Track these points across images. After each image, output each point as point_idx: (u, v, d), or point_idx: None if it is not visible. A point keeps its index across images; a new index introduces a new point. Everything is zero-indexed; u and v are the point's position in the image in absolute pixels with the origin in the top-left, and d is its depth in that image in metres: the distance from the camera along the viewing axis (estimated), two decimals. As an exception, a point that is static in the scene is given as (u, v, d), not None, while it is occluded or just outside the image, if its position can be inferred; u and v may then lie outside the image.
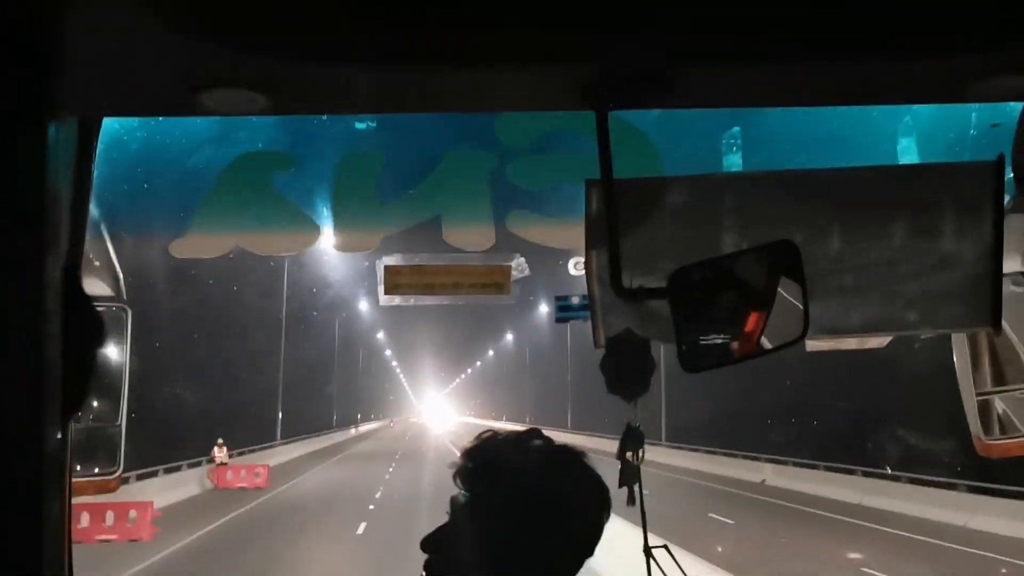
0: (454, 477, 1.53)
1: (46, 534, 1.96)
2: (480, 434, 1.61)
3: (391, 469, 36.31)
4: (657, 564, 2.93)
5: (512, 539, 1.47)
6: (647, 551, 2.92)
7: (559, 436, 1.66)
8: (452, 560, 1.50)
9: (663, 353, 2.03)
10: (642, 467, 4.26)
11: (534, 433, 1.60)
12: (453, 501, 1.53)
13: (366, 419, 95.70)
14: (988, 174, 2.26)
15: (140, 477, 25.49)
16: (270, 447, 41.37)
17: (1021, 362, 2.67)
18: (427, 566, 1.53)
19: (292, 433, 47.91)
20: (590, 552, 1.55)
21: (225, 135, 2.54)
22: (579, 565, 1.53)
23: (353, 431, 75.98)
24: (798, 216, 2.25)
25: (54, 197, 1.86)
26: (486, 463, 1.53)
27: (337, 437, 64.75)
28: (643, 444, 1.92)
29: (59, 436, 2.09)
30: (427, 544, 1.52)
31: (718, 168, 2.60)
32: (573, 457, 1.58)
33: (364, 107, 2.32)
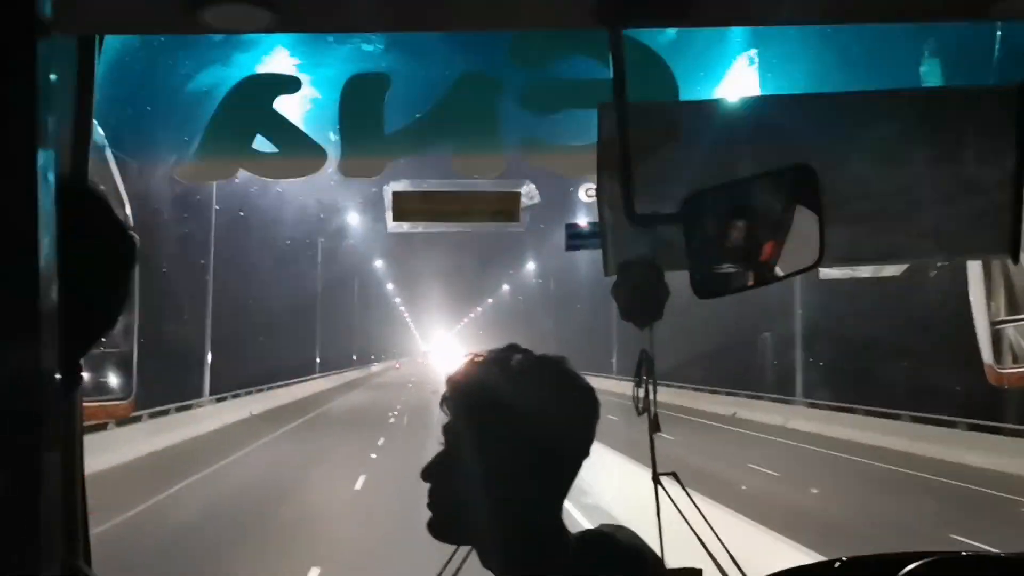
0: (441, 405, 1.55)
1: (55, 459, 1.96)
2: (462, 362, 1.61)
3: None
4: (665, 491, 2.94)
5: (505, 455, 1.48)
6: (655, 479, 2.93)
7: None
8: (451, 485, 1.52)
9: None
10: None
11: (513, 348, 1.60)
12: (445, 429, 1.55)
13: (364, 362, 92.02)
14: (1012, 99, 2.21)
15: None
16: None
17: None
18: (430, 495, 1.56)
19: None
20: (585, 453, 1.57)
21: (229, 57, 2.49)
22: (577, 467, 1.56)
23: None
24: (815, 141, 2.21)
25: (55, 120, 1.82)
26: (469, 385, 1.55)
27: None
28: (654, 370, 1.93)
29: (68, 364, 2.09)
30: (426, 474, 1.55)
31: (734, 92, 2.55)
32: (554, 365, 1.59)
33: (371, 26, 2.26)
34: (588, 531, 1.68)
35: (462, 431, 1.52)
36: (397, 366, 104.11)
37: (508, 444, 1.48)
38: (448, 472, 1.53)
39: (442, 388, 1.56)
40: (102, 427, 19.47)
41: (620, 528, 1.74)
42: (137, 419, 23.59)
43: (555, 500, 1.57)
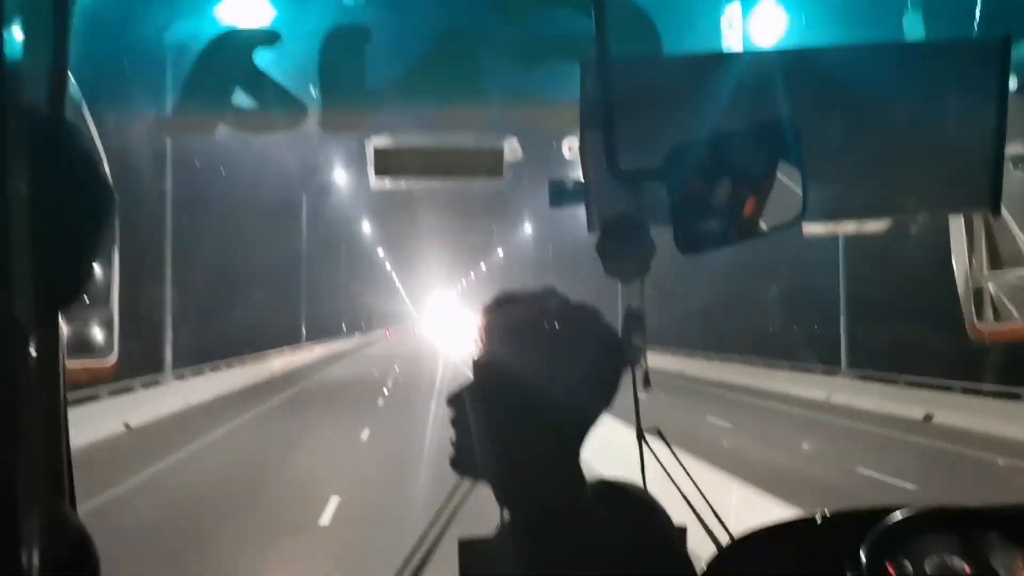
0: (475, 332, 1.56)
1: (39, 421, 1.96)
2: (496, 295, 1.62)
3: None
4: (650, 448, 2.97)
5: (531, 391, 1.49)
6: (640, 436, 2.96)
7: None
8: (473, 416, 1.53)
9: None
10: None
11: (549, 290, 1.61)
12: (474, 362, 1.55)
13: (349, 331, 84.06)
14: (994, 52, 2.21)
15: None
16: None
17: (1018, 246, 2.66)
18: (453, 422, 1.57)
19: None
20: (609, 400, 1.58)
21: (206, 10, 2.45)
22: (599, 412, 1.58)
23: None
24: (799, 96, 2.20)
25: (30, 74, 1.79)
26: (503, 320, 1.56)
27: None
28: (644, 327, 1.93)
29: (49, 324, 2.08)
30: (451, 400, 1.56)
31: (718, 47, 2.53)
32: (587, 311, 1.60)
33: None
34: (603, 479, 1.69)
35: (491, 363, 1.53)
36: (388, 336, 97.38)
37: (535, 381, 1.49)
38: (472, 402, 1.54)
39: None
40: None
41: (629, 483, 1.76)
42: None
43: (576, 442, 1.58)
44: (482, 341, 1.55)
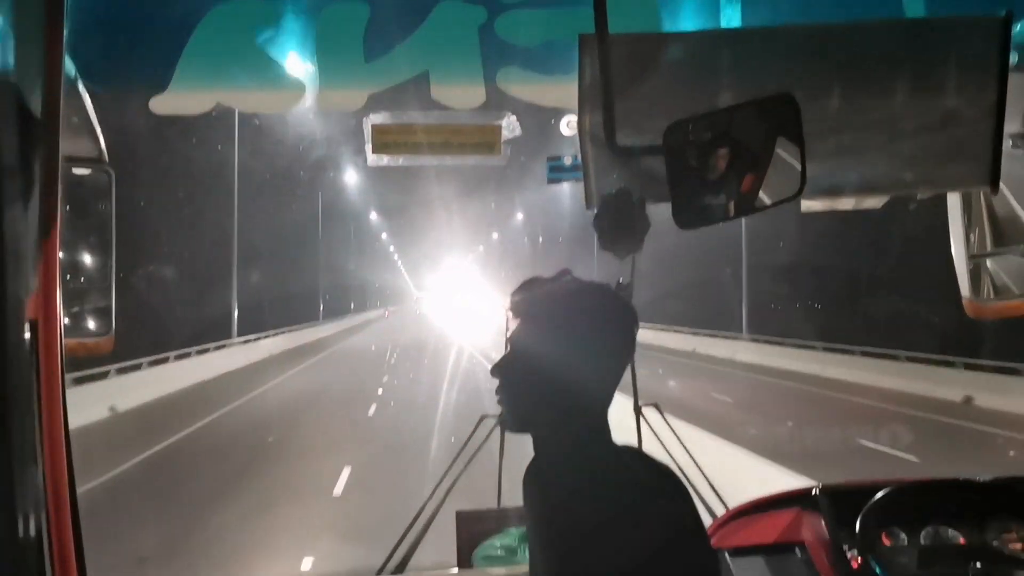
0: (507, 311, 1.81)
1: (37, 394, 1.97)
2: (522, 281, 1.83)
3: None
4: (647, 422, 2.99)
5: (561, 353, 1.71)
6: (637, 410, 2.98)
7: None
8: (516, 378, 1.76)
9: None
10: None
11: (564, 272, 1.82)
12: (510, 335, 1.79)
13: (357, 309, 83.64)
14: (995, 29, 2.20)
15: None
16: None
17: (1018, 223, 2.66)
18: (498, 390, 1.78)
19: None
20: (629, 357, 1.80)
21: (203, -15, 2.44)
22: (622, 369, 1.79)
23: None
24: (797, 72, 2.20)
25: (25, 50, 1.78)
26: (530, 296, 1.78)
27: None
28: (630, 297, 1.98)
29: (47, 300, 2.08)
30: (495, 370, 1.79)
31: (716, 24, 2.52)
32: (600, 286, 1.82)
33: None
34: (626, 445, 1.85)
35: (524, 335, 1.76)
36: (387, 315, 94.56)
37: (565, 343, 1.72)
38: (513, 367, 1.76)
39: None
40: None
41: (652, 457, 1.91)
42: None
43: (603, 401, 1.77)
44: (514, 318, 1.79)
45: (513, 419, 1.80)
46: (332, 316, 68.27)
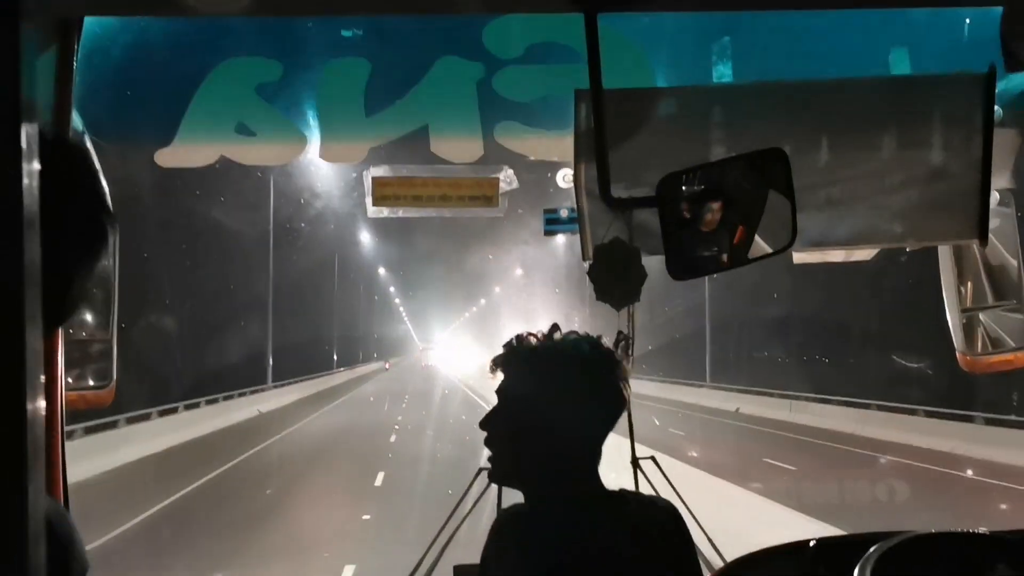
0: (492, 365, 1.83)
1: (35, 444, 1.97)
2: (513, 336, 1.85)
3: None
4: (644, 474, 2.99)
5: (544, 407, 1.74)
6: (635, 462, 2.98)
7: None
8: (502, 434, 1.78)
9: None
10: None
11: (554, 327, 1.83)
12: (499, 389, 1.80)
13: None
14: (979, 85, 2.25)
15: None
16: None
17: (1007, 278, 2.68)
18: (487, 442, 1.80)
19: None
20: (619, 410, 1.81)
21: (210, 41, 2.49)
22: (611, 422, 1.81)
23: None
24: (787, 127, 2.25)
25: (33, 103, 1.83)
26: (518, 351, 1.80)
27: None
28: (632, 351, 1.99)
29: (48, 351, 2.10)
30: (483, 424, 1.80)
31: (708, 79, 2.58)
32: (588, 340, 1.82)
33: (349, 9, 2.28)
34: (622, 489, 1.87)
35: (512, 389, 1.78)
36: (387, 367, 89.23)
37: (548, 401, 1.74)
38: (499, 422, 1.78)
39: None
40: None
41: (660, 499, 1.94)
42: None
43: (590, 452, 1.79)
44: (503, 369, 1.80)
45: (498, 471, 1.83)
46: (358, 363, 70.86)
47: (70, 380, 2.37)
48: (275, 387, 39.08)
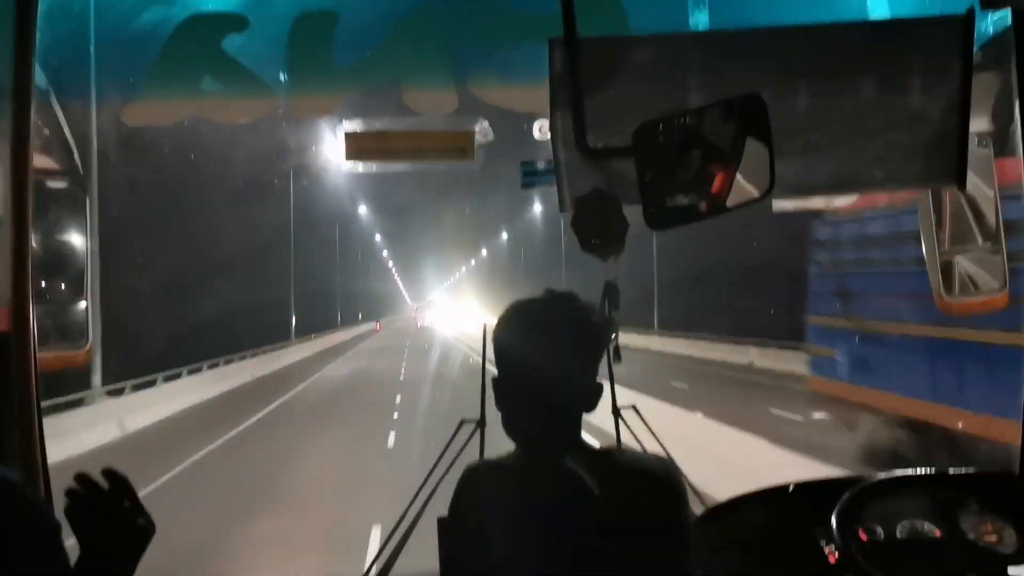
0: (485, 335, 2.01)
1: (13, 406, 1.96)
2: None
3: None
4: (625, 423, 3.00)
5: (540, 364, 1.83)
6: (615, 412, 2.99)
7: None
8: (504, 394, 1.87)
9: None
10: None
11: (548, 290, 1.91)
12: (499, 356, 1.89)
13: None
14: (957, 28, 2.23)
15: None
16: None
17: (985, 221, 2.69)
18: (496, 401, 1.90)
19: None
20: (595, 365, 1.89)
21: (173, -6, 2.44)
22: (598, 362, 1.91)
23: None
24: (765, 74, 2.22)
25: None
26: (510, 320, 1.88)
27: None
28: (619, 301, 2.01)
29: (20, 313, 2.08)
30: (493, 385, 1.89)
31: (685, 27, 2.54)
32: (571, 297, 1.88)
33: None
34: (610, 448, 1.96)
35: (506, 353, 1.87)
36: (377, 328, 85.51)
37: (538, 361, 1.83)
38: (501, 384, 1.87)
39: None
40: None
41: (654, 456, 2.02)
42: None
43: (576, 401, 1.86)
44: (497, 337, 1.88)
45: (507, 426, 1.89)
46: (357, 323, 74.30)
47: (45, 340, 2.35)
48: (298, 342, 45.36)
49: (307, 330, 52.11)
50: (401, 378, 32.29)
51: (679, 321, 41.97)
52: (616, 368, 2.43)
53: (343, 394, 28.15)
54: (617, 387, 2.59)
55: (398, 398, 24.49)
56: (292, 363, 40.67)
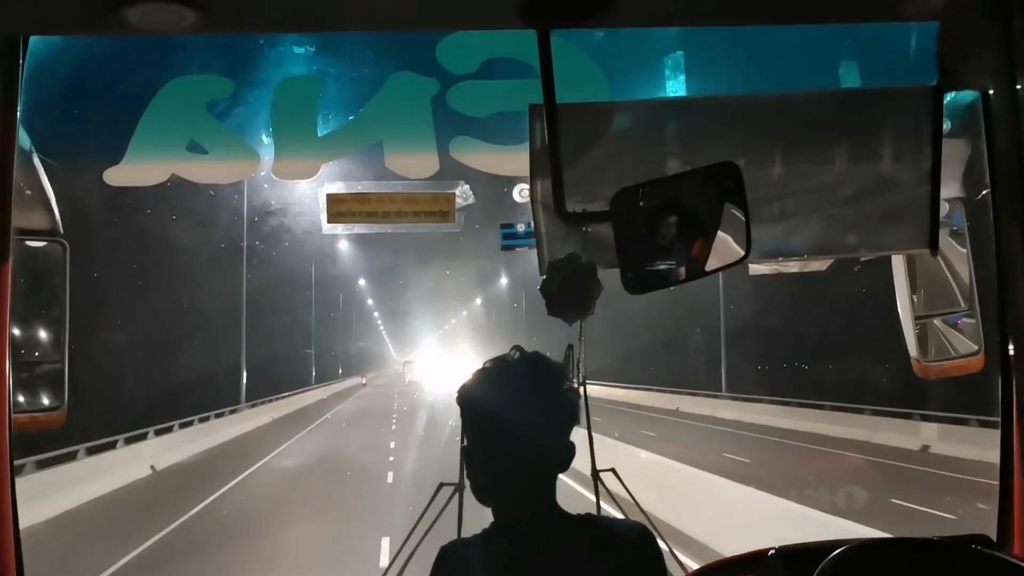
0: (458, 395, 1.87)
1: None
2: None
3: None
4: (604, 486, 2.98)
5: (504, 426, 1.79)
6: (595, 475, 2.97)
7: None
8: (473, 461, 1.84)
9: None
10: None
11: (516, 348, 1.87)
12: (465, 422, 1.86)
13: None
14: (927, 97, 2.29)
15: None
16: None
17: (959, 285, 2.72)
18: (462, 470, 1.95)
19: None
20: (571, 422, 1.84)
21: (159, 59, 2.46)
22: (563, 441, 1.82)
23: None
24: (740, 141, 2.26)
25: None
26: (474, 388, 1.84)
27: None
28: (583, 366, 2.03)
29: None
30: (463, 451, 1.87)
31: (662, 94, 2.59)
32: (540, 358, 1.85)
33: (299, 26, 2.26)
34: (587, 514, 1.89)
35: (472, 422, 1.84)
36: (363, 382, 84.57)
37: (506, 418, 1.79)
38: (469, 451, 1.85)
39: None
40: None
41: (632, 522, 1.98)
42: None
43: (546, 464, 1.81)
44: (463, 403, 1.85)
45: (476, 494, 1.87)
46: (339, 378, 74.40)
47: (21, 402, 2.33)
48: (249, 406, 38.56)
49: (275, 390, 45.98)
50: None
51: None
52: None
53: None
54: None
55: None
56: (244, 433, 32.45)
